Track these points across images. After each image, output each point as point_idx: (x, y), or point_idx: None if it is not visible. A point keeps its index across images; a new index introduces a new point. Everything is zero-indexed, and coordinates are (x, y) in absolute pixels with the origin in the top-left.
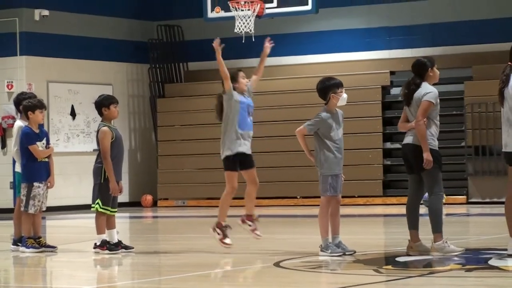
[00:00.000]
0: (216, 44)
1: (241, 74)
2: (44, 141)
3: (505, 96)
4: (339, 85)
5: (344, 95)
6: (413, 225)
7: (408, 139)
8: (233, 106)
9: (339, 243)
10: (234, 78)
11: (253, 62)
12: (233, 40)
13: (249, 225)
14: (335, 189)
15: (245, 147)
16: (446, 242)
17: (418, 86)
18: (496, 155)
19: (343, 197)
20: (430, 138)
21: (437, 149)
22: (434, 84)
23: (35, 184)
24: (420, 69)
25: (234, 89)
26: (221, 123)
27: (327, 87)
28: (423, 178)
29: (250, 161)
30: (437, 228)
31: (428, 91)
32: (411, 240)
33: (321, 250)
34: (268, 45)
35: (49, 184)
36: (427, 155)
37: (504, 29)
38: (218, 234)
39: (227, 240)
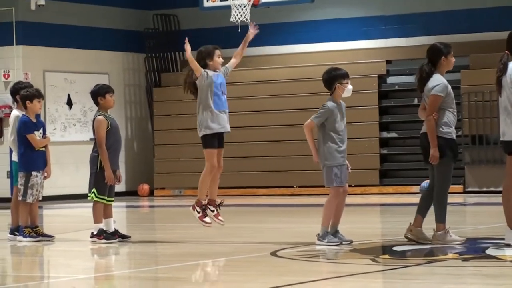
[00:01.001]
0: (186, 45)
1: (217, 52)
2: (41, 130)
3: (503, 84)
4: (345, 75)
5: (350, 86)
6: (421, 211)
7: (423, 128)
8: (206, 86)
9: (336, 232)
10: (209, 55)
11: (249, 51)
12: (229, 29)
13: (211, 211)
14: (341, 179)
15: (222, 127)
16: (448, 232)
17: (428, 75)
18: (493, 144)
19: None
20: (446, 128)
21: (454, 137)
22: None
23: (33, 173)
24: (433, 55)
25: (208, 66)
26: (196, 100)
27: (333, 77)
28: (433, 167)
29: (222, 141)
30: (440, 218)
31: (436, 83)
32: (413, 223)
33: (318, 239)
34: (252, 31)
35: (45, 174)
36: (434, 151)
37: (501, 18)
38: (198, 212)
39: (206, 219)
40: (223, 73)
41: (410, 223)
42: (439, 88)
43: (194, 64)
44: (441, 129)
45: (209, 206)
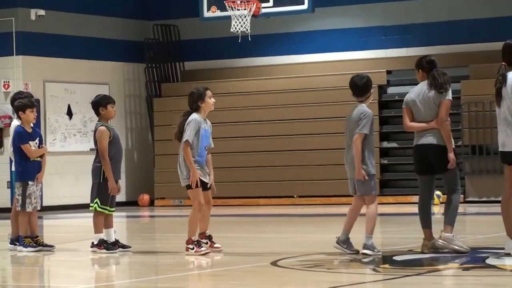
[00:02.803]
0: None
1: (209, 93)
2: (37, 140)
3: (503, 95)
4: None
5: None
6: (427, 224)
7: (429, 140)
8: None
9: (348, 239)
10: (201, 97)
11: (248, 61)
12: (229, 40)
13: (205, 243)
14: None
15: (204, 178)
16: (454, 236)
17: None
18: (493, 154)
19: (339, 196)
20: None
21: (454, 146)
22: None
23: (30, 182)
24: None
25: (200, 108)
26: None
27: (370, 84)
28: (443, 177)
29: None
30: (450, 220)
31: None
32: (426, 238)
33: (367, 249)
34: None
35: (37, 179)
36: (453, 155)
37: (501, 28)
38: (192, 249)
39: (202, 249)
40: (209, 126)
41: (424, 239)
42: (450, 93)
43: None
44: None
45: (201, 240)
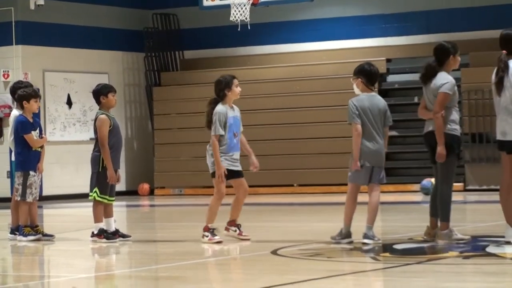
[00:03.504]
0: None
1: (235, 82)
2: (37, 130)
3: (504, 84)
4: None
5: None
6: (434, 213)
7: (430, 127)
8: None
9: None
10: (228, 85)
11: (248, 50)
12: (228, 28)
13: (234, 231)
14: None
15: (233, 167)
16: (451, 231)
17: (435, 73)
18: (493, 142)
19: (340, 184)
20: (453, 124)
21: (459, 135)
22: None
23: (31, 172)
24: (442, 54)
25: (225, 97)
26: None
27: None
28: (437, 165)
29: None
30: (444, 217)
31: (444, 81)
32: (430, 226)
33: (368, 238)
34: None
35: (38, 169)
36: (441, 149)
37: (501, 16)
38: (206, 236)
39: (216, 238)
40: (237, 111)
41: (427, 226)
42: (448, 86)
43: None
44: (449, 126)
45: (230, 227)
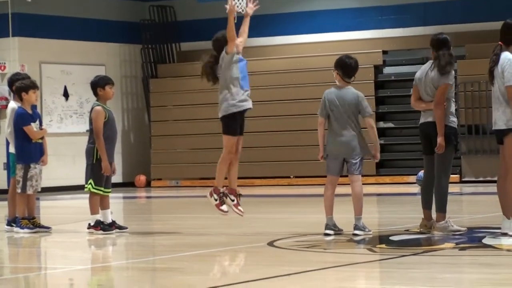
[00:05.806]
0: (232, 6)
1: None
2: (37, 122)
3: (494, 75)
4: None
5: None
6: (427, 205)
7: (429, 118)
8: (235, 66)
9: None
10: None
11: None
12: (225, 20)
13: (232, 200)
14: None
15: (250, 103)
16: (448, 222)
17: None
18: (489, 133)
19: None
20: (452, 116)
21: (456, 127)
22: (421, 63)
23: (32, 165)
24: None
25: (231, 45)
26: (218, 84)
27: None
28: (435, 156)
29: (242, 128)
30: (441, 208)
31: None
32: (425, 218)
33: (358, 229)
34: (251, 6)
35: (42, 162)
36: (441, 140)
37: (497, 8)
38: (215, 200)
39: (223, 207)
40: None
41: (422, 219)
42: (450, 77)
43: (233, 32)
44: (448, 118)
45: (229, 195)
